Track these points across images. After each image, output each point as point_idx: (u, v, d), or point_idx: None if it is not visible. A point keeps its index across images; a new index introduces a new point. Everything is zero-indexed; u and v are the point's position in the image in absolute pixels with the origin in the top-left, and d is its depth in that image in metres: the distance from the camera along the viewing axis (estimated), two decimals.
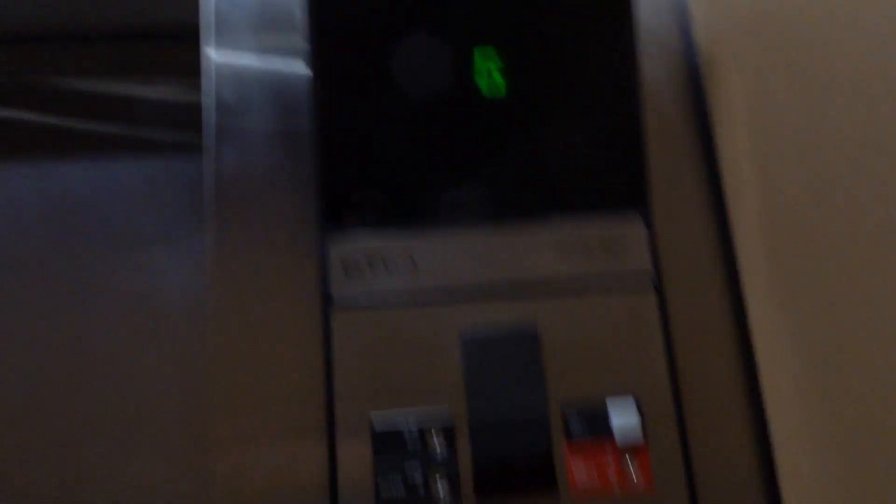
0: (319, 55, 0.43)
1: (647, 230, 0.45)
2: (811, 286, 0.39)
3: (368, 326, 0.42)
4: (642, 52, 0.48)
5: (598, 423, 0.41)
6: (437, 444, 0.40)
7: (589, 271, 0.44)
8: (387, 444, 0.40)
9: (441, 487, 0.39)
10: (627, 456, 0.41)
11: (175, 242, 0.51)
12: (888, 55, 0.33)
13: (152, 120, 0.53)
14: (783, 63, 0.40)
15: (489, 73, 0.44)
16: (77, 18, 0.50)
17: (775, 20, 0.41)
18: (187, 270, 0.50)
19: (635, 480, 0.40)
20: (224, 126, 0.45)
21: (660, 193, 0.47)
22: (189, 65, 0.48)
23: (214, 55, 0.46)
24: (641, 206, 0.45)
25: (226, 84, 0.46)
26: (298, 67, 0.46)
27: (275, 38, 0.47)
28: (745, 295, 0.45)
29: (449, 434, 0.40)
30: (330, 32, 0.43)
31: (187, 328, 0.50)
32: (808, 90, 0.38)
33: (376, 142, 0.43)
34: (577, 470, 0.40)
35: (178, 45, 0.51)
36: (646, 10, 0.50)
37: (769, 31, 0.41)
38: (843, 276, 0.36)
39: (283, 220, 0.44)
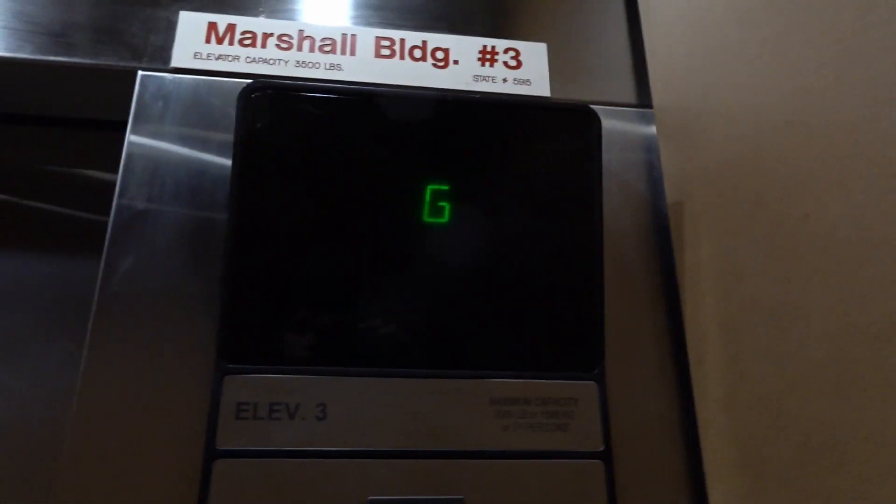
0: (245, 163, 0.38)
1: (598, 393, 0.39)
2: (779, 467, 0.33)
3: (256, 480, 0.35)
4: (608, 197, 0.44)
5: None
6: None
7: (528, 437, 0.38)
8: None
9: None
10: None
11: (28, 356, 0.44)
12: (865, 217, 0.29)
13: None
14: (753, 221, 0.36)
15: (438, 209, 0.39)
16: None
17: (745, 174, 0.37)
18: (40, 391, 0.43)
19: None
20: (127, 220, 0.40)
21: (615, 352, 0.42)
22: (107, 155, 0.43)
23: (132, 143, 0.41)
24: (593, 366, 0.40)
25: (137, 177, 0.41)
26: (220, 168, 0.42)
27: (203, 135, 0.43)
28: (705, 469, 0.39)
29: None
30: (258, 147, 0.38)
31: (33, 462, 0.42)
32: (779, 253, 0.34)
33: (295, 268, 0.38)
34: None
35: (103, 134, 0.46)
36: (613, 153, 0.47)
37: (739, 185, 0.38)
38: (812, 456, 0.31)
39: (174, 341, 0.38)
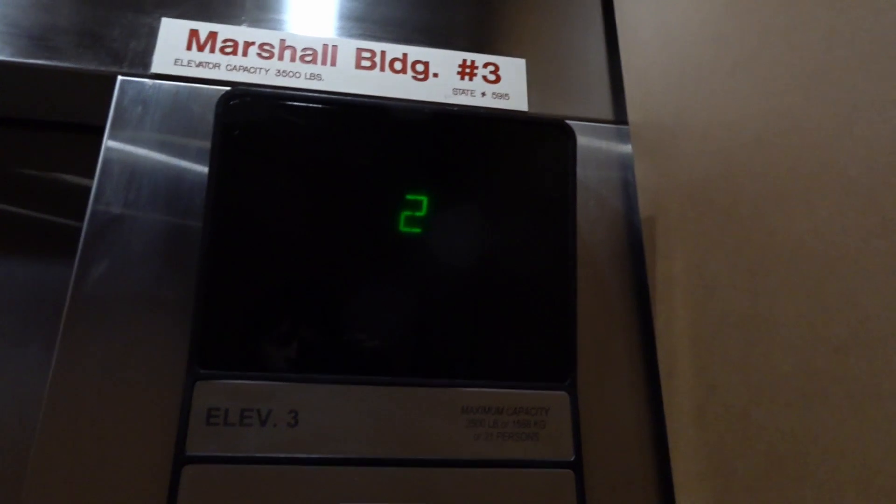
0: (221, 170, 0.38)
1: (570, 403, 0.40)
2: (746, 477, 0.34)
3: (225, 486, 0.35)
4: (583, 210, 0.45)
5: None
6: None
7: (500, 446, 0.38)
8: None
9: None
10: None
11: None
12: (829, 232, 0.29)
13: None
14: (724, 235, 0.37)
15: (413, 219, 0.40)
16: None
17: (717, 189, 0.38)
18: (9, 392, 0.42)
19: None
20: (102, 225, 0.40)
21: (588, 363, 0.42)
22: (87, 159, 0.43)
23: (109, 148, 0.41)
24: (565, 377, 0.40)
25: (113, 181, 0.41)
26: (198, 174, 0.42)
27: (182, 141, 0.43)
28: (674, 479, 0.39)
29: None
30: (235, 153, 0.39)
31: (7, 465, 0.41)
32: (748, 266, 0.35)
33: (270, 275, 0.38)
34: None
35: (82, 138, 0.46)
36: (590, 168, 0.47)
37: (711, 200, 0.38)
38: (777, 466, 0.32)
39: (146, 346, 0.38)
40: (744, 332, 0.35)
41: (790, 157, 0.32)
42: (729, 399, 0.35)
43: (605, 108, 0.51)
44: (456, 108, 0.45)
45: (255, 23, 0.48)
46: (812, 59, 0.31)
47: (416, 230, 0.40)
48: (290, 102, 0.40)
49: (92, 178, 0.41)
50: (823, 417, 0.29)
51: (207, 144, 0.42)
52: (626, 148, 0.49)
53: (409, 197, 0.40)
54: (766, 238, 0.34)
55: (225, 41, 0.46)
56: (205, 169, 0.42)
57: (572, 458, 0.39)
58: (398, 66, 0.48)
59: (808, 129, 0.31)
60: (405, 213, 0.40)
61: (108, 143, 0.42)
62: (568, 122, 0.43)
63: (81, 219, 0.40)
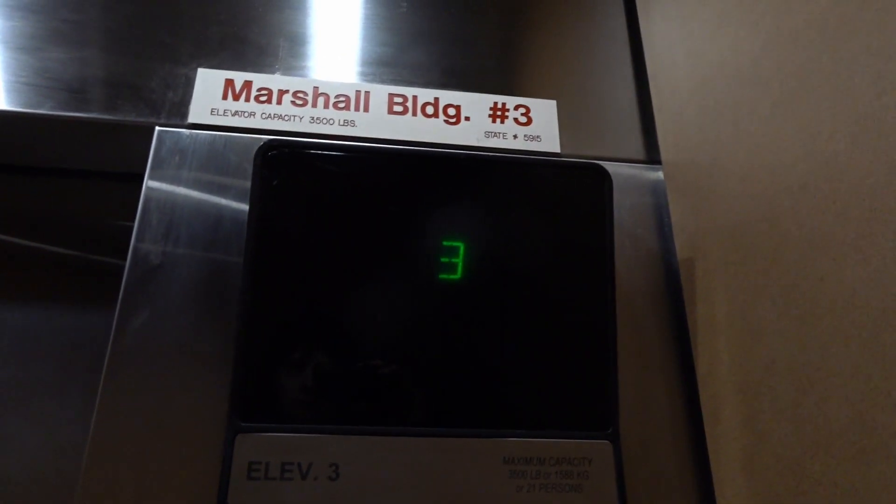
0: (261, 221, 0.38)
1: (613, 453, 0.39)
2: None
3: None
4: (618, 251, 0.44)
5: None
6: None
7: (543, 498, 0.37)
8: None
9: None
10: None
11: (35, 408, 0.44)
12: (884, 282, 0.29)
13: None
14: (770, 280, 0.36)
15: (450, 266, 0.39)
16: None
17: (761, 233, 0.37)
18: (47, 442, 0.42)
19: None
20: (142, 274, 0.40)
21: (628, 411, 0.41)
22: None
23: (148, 198, 0.42)
24: (608, 425, 0.39)
25: (153, 231, 0.41)
26: (235, 221, 0.42)
27: (219, 190, 0.43)
28: None
29: None
30: (274, 204, 0.39)
31: None
32: (797, 314, 0.34)
33: (309, 328, 0.38)
34: None
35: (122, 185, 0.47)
36: (623, 208, 0.47)
37: (754, 244, 0.38)
38: None
39: (186, 397, 0.37)
40: (794, 380, 0.34)
41: (838, 204, 0.32)
42: (780, 449, 0.34)
43: (637, 148, 0.51)
44: (490, 155, 0.45)
45: (289, 71, 0.49)
46: (859, 104, 0.31)
47: (453, 277, 0.40)
48: (325, 152, 0.40)
49: (132, 224, 0.42)
50: (886, 474, 0.28)
51: (244, 193, 0.42)
52: (660, 188, 0.49)
53: (446, 243, 0.40)
54: (815, 285, 0.33)
55: (260, 90, 0.47)
56: (242, 217, 0.42)
57: (615, 496, 0.38)
58: (430, 110, 0.48)
59: (858, 177, 0.31)
60: (441, 261, 0.40)
61: (146, 192, 0.42)
62: (601, 162, 0.43)
63: (121, 266, 0.41)
